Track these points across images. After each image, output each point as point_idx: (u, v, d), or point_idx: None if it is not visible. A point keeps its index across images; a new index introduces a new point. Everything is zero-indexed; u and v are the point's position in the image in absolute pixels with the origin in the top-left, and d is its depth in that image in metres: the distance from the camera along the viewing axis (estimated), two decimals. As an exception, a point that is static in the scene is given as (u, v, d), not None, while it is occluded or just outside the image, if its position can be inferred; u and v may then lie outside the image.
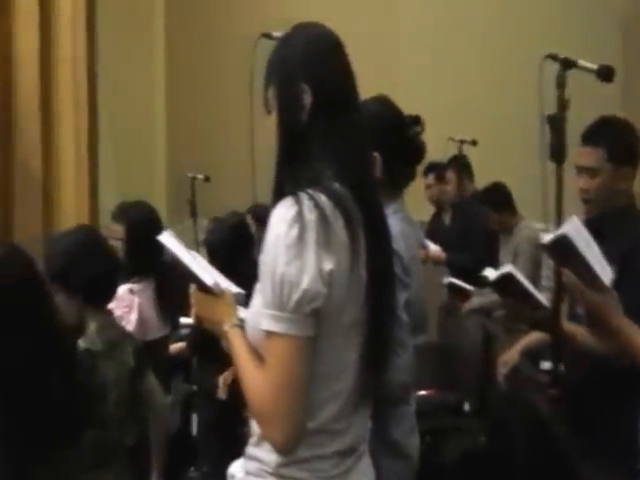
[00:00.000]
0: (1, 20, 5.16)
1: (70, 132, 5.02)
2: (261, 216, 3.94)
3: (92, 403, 1.68)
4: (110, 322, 2.10)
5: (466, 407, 3.11)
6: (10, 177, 5.13)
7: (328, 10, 4.28)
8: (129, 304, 2.68)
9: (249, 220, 3.71)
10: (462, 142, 4.69)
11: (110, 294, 2.11)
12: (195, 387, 3.04)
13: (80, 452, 1.59)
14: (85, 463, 1.60)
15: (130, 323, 2.63)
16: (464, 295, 4.13)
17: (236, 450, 2.05)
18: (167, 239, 1.47)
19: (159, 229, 2.98)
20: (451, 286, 4.25)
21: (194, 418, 3.02)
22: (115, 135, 5.15)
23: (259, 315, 1.24)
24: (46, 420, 1.52)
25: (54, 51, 5.09)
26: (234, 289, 1.45)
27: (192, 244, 4.09)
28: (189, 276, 1.43)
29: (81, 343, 1.83)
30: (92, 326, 1.96)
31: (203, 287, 1.41)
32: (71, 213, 4.98)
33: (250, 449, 1.32)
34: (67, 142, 5.02)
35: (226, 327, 1.34)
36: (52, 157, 5.06)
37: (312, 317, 1.20)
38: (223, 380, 2.69)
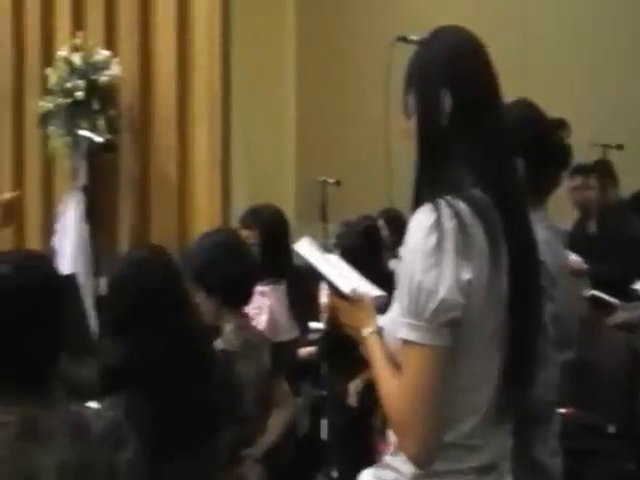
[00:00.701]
0: (140, 30, 5.48)
1: (204, 136, 5.23)
2: (392, 220, 3.91)
3: (231, 403, 1.70)
4: (246, 324, 2.12)
5: (611, 429, 2.90)
6: (147, 180, 5.44)
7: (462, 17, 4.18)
8: (260, 305, 2.72)
9: (380, 224, 3.68)
10: (606, 147, 4.43)
11: (247, 296, 2.12)
12: (325, 392, 3.04)
13: (219, 451, 1.61)
14: (223, 462, 1.63)
15: (260, 324, 2.67)
16: (608, 309, 3.87)
17: (365, 457, 2.02)
18: (303, 248, 1.46)
19: (289, 233, 3.02)
20: (594, 299, 3.99)
21: (324, 423, 3.01)
22: (247, 139, 5.30)
23: (396, 323, 1.22)
24: (186, 418, 1.55)
25: (190, 59, 5.34)
26: (375, 292, 1.42)
27: (321, 249, 4.09)
28: (327, 283, 1.41)
29: (218, 344, 1.86)
30: (229, 327, 1.98)
31: (340, 293, 1.39)
32: (204, 215, 5.17)
33: (387, 458, 1.31)
34: (201, 146, 5.24)
35: (364, 333, 1.32)
36: (187, 160, 5.30)
37: (449, 327, 1.16)
38: (354, 387, 2.67)
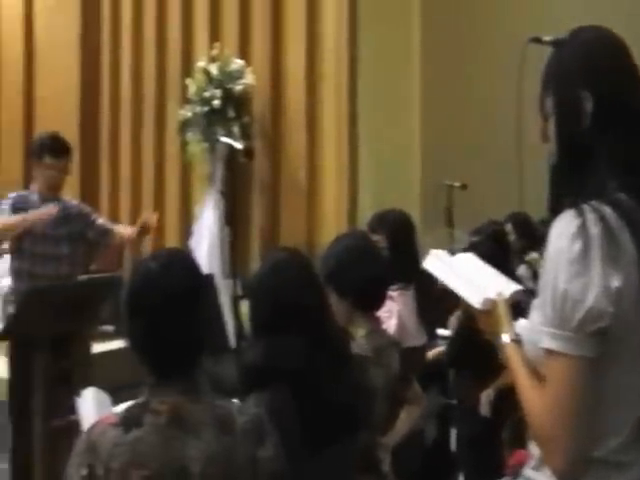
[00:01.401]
0: (272, 41, 5.66)
1: (332, 142, 5.32)
2: (521, 224, 3.78)
3: (364, 407, 1.70)
4: (378, 328, 2.11)
5: None
6: (277, 184, 5.61)
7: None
8: (389, 309, 2.72)
9: (508, 228, 3.57)
10: None
11: (379, 300, 2.11)
12: (454, 401, 2.98)
13: (354, 454, 1.63)
14: (356, 465, 1.64)
15: (389, 329, 2.67)
16: None
17: (496, 469, 1.97)
18: (431, 265, 1.45)
19: (415, 237, 2.98)
20: None
21: (453, 433, 2.95)
22: (373, 144, 5.33)
23: (538, 332, 1.17)
24: (325, 419, 1.57)
25: (319, 67, 5.46)
26: (512, 287, 1.38)
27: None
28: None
29: (351, 348, 1.83)
30: (361, 332, 1.99)
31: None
32: (331, 219, 5.26)
33: (529, 471, 1.26)
34: (329, 151, 5.34)
35: (503, 340, 1.29)
36: (315, 165, 5.41)
37: (596, 337, 1.11)
38: (486, 396, 2.60)
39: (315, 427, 1.55)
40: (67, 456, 1.34)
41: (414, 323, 2.82)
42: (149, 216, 3.41)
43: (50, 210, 3.03)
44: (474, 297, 1.36)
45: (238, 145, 3.16)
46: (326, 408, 1.59)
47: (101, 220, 3.45)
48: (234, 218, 5.41)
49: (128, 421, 1.28)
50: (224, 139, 3.45)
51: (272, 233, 5.59)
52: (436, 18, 5.50)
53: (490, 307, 1.35)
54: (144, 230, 3.37)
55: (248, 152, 3.23)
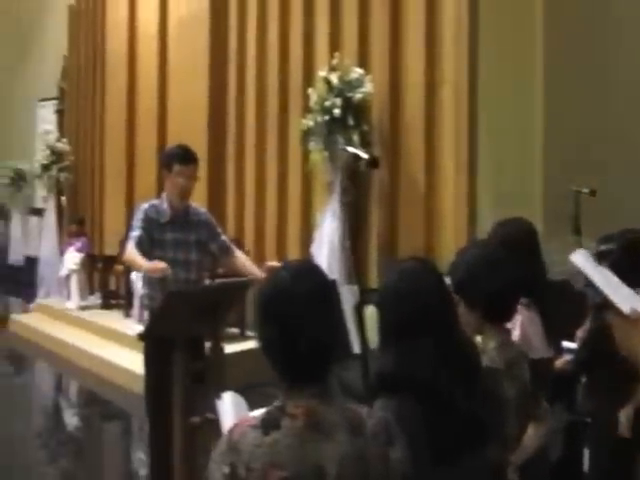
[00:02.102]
0: (391, 49, 5.66)
1: (451, 148, 5.24)
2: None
3: (495, 420, 1.68)
4: (508, 340, 2.07)
5: None
6: (396, 192, 5.60)
7: None
8: (513, 320, 2.66)
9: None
10: None
11: (509, 312, 2.06)
12: (583, 418, 2.84)
13: (483, 466, 1.61)
14: (487, 478, 1.63)
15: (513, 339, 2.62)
16: None
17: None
18: (579, 259, 1.43)
19: (539, 247, 2.87)
20: None
21: (584, 452, 2.81)
22: (493, 149, 5.22)
23: None
24: (453, 428, 1.57)
25: (438, 74, 5.39)
26: None
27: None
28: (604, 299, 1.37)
29: (483, 360, 1.80)
30: (491, 343, 1.95)
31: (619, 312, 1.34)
32: (450, 226, 5.18)
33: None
34: (449, 158, 5.25)
35: None
36: (434, 172, 5.35)
37: None
38: (625, 415, 2.45)
39: (442, 437, 1.54)
40: (204, 452, 1.43)
41: (539, 335, 2.74)
42: (274, 265, 3.48)
43: (162, 270, 3.07)
44: (625, 303, 1.33)
45: (364, 154, 3.19)
46: (454, 418, 1.58)
47: (224, 237, 3.56)
48: (353, 225, 5.47)
49: (267, 423, 1.34)
50: (350, 149, 3.48)
51: (390, 240, 5.58)
52: (560, 16, 5.31)
53: (638, 317, 1.31)
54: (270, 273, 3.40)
55: (374, 161, 3.24)
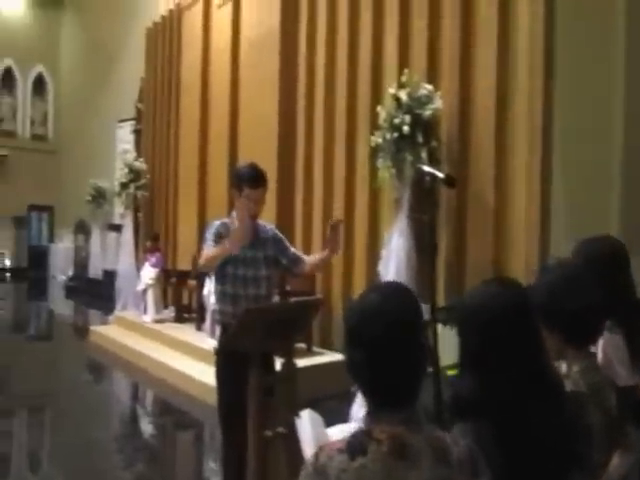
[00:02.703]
0: (461, 65, 5.61)
1: (522, 167, 5.09)
2: None
3: (580, 447, 1.63)
4: (593, 365, 1.98)
5: None
6: (464, 210, 5.49)
7: None
8: (596, 344, 2.57)
9: None
10: None
11: (593, 335, 1.98)
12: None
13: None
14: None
15: (595, 364, 2.54)
16: None
17: None
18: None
19: (628, 267, 2.72)
20: None
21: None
22: (567, 164, 5.08)
23: None
24: (535, 455, 1.53)
25: (510, 92, 5.22)
26: None
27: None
28: None
29: (566, 385, 1.74)
30: (575, 368, 1.88)
31: None
32: (521, 246, 5.04)
33: None
34: (520, 177, 5.11)
35: None
36: (504, 190, 5.21)
37: None
38: None
39: (524, 465, 1.51)
40: (277, 466, 1.46)
41: (624, 361, 2.62)
42: (334, 221, 3.52)
43: (242, 229, 3.15)
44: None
45: (439, 174, 3.16)
46: (537, 446, 1.54)
47: (293, 249, 3.62)
48: (421, 242, 5.42)
49: (353, 448, 1.34)
50: (425, 167, 3.44)
51: (459, 258, 5.51)
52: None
53: None
54: (334, 233, 3.45)
55: (450, 180, 3.20)
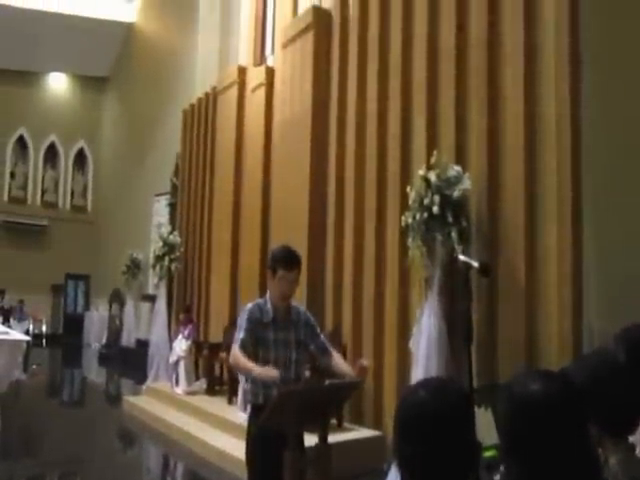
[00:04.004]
0: (489, 146, 5.62)
1: (554, 248, 5.01)
2: None
3: None
4: (632, 456, 1.92)
5: None
6: (495, 290, 5.34)
7: None
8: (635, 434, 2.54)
9: None
10: None
11: (632, 425, 1.92)
12: None
13: None
14: None
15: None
16: None
17: None
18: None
19: None
20: None
21: None
22: (600, 249, 4.90)
23: None
24: None
25: (539, 168, 5.20)
26: None
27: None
28: None
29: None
30: (613, 459, 1.84)
31: None
32: (553, 332, 4.93)
33: None
34: (551, 257, 5.01)
35: None
36: (535, 274, 5.11)
37: None
38: None
39: None
40: None
41: None
42: (364, 363, 3.58)
43: (273, 376, 3.18)
44: None
45: (475, 264, 3.23)
46: None
47: (323, 337, 3.64)
48: (452, 322, 5.42)
49: None
50: (461, 257, 3.47)
51: (490, 338, 5.43)
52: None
53: None
54: (361, 373, 3.52)
55: (485, 269, 3.25)
